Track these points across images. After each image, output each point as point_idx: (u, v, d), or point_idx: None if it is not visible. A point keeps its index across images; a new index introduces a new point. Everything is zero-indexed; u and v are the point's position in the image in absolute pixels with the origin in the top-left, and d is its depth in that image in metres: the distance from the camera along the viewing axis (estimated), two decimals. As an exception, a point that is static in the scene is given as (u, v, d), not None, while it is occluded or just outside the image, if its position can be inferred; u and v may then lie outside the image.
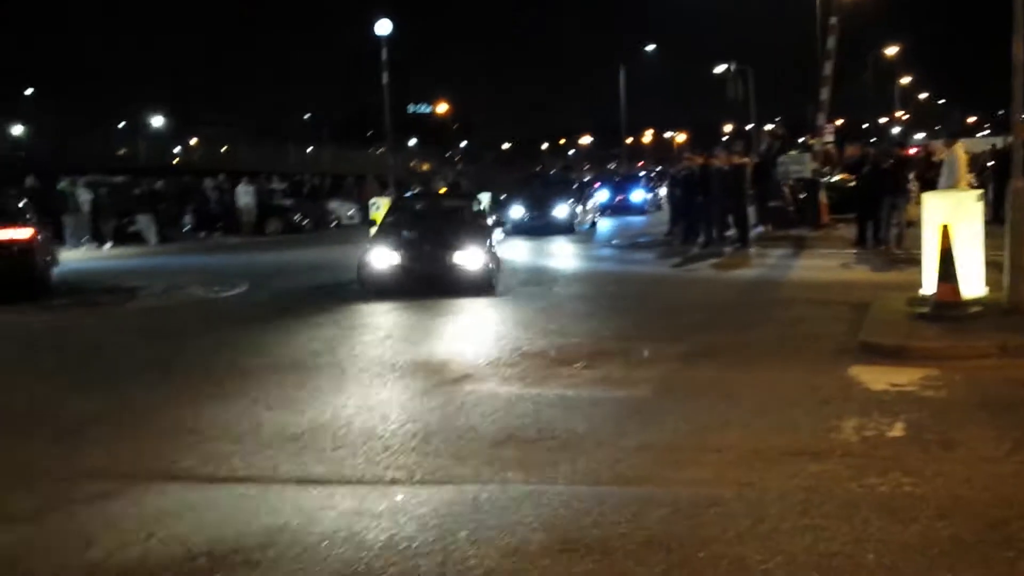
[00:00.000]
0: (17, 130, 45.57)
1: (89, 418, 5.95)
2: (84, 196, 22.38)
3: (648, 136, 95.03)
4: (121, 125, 55.85)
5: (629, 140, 64.58)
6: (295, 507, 4.22)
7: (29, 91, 59.29)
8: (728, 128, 68.55)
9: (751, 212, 17.84)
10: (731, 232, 17.11)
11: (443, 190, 26.72)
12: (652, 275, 14.27)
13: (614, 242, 20.01)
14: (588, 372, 6.92)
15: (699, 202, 17.32)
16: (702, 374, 6.81)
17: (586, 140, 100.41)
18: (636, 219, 27.29)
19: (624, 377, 6.75)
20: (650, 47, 52.28)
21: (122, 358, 8.31)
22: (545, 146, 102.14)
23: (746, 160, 18.33)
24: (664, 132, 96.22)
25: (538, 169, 50.41)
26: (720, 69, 20.74)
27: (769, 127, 27.84)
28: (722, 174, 16.91)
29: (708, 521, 3.88)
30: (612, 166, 66.57)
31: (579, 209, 23.56)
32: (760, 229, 18.43)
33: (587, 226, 23.88)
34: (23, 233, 11.85)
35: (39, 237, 12.26)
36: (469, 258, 11.24)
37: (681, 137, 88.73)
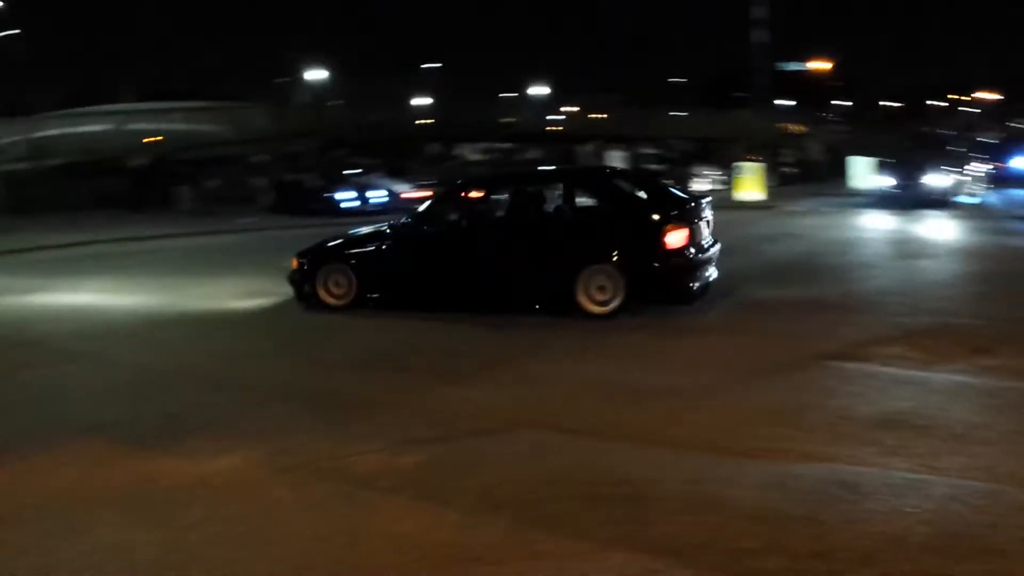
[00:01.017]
0: (421, 101, 51.16)
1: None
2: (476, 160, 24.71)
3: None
4: (507, 94, 60.34)
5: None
6: (661, 466, 4.37)
7: (432, 65, 66.34)
8: None
9: None
10: None
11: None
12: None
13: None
14: (985, 359, 6.23)
15: None
16: None
17: (987, 96, 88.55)
18: (1003, 199, 21.62)
19: (1029, 366, 5.99)
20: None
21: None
22: (938, 103, 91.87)
23: None
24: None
25: (922, 129, 45.41)
26: None
27: None
28: None
29: None
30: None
31: (960, 178, 20.25)
32: None
33: (972, 199, 20.43)
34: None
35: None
36: None
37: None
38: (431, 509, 3.90)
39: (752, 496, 3.92)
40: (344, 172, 24.71)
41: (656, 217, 8.14)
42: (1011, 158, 25.79)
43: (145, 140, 31.16)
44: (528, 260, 8.26)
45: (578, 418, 5.20)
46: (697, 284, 8.11)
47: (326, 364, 6.84)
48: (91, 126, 34.99)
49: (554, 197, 8.92)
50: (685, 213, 8.30)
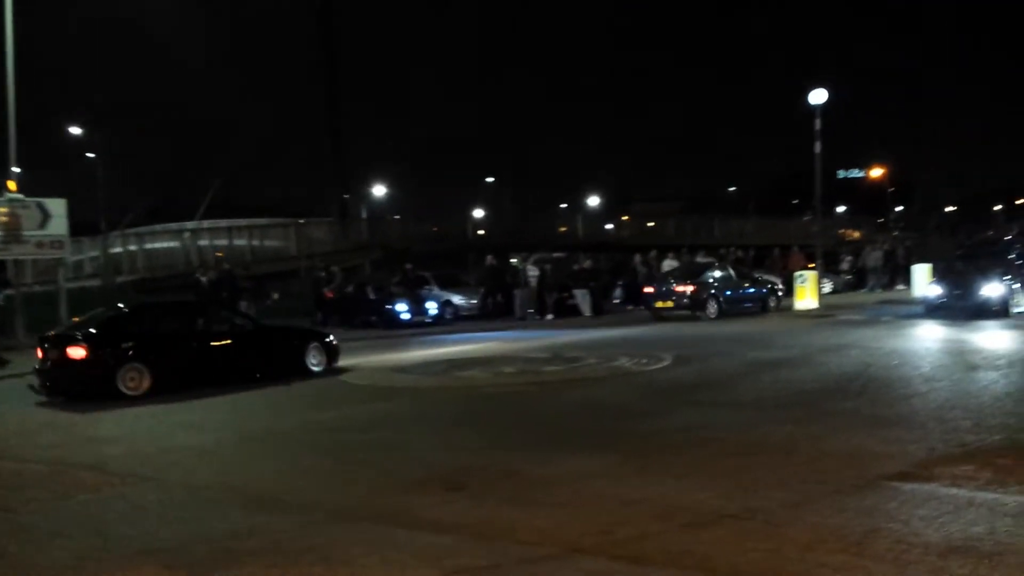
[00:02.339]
0: (478, 213, 52.45)
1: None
2: (532, 272, 24.98)
3: None
4: (563, 206, 61.54)
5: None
6: None
7: (490, 179, 68.26)
8: None
9: None
10: None
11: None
12: None
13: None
14: (1059, 479, 5.96)
15: None
16: None
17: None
18: None
19: (1110, 490, 5.70)
20: None
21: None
22: (999, 207, 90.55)
23: None
24: None
25: (968, 237, 44.41)
26: None
27: None
28: None
29: None
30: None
31: (1016, 286, 19.46)
32: None
33: None
34: None
35: None
36: None
37: None
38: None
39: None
40: (405, 285, 25.21)
41: None
42: None
43: (217, 254, 32.41)
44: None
45: (641, 544, 5.07)
46: None
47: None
48: (161, 243, 36.61)
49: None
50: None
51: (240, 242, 35.14)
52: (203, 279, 24.35)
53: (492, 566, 4.78)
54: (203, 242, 35.23)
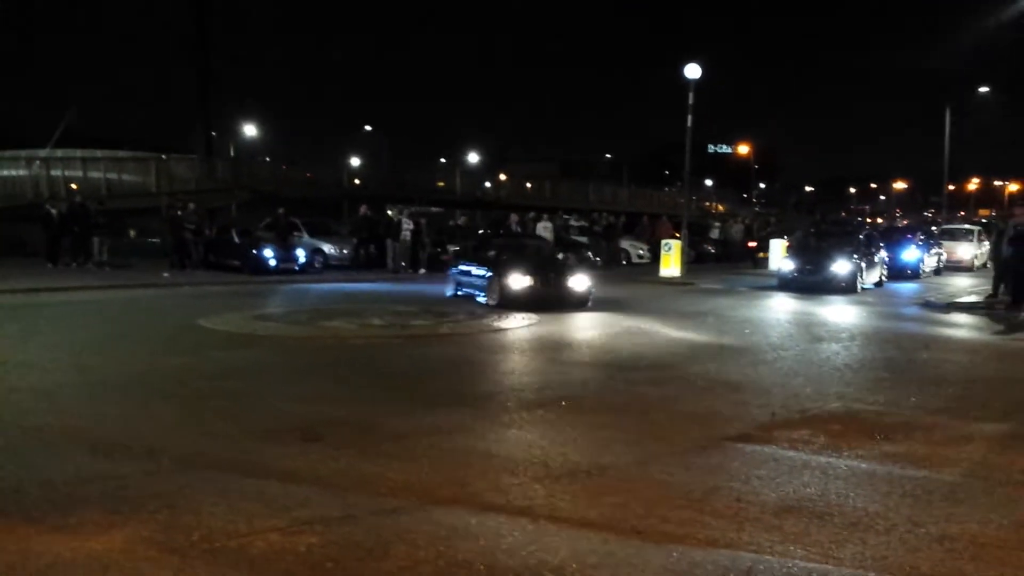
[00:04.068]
0: (355, 162, 51.33)
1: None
2: (407, 225, 24.71)
3: (974, 184, 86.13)
4: (442, 160, 61.05)
5: (951, 187, 58.96)
6: (570, 550, 4.34)
7: (367, 127, 66.83)
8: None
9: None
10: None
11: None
12: (970, 342, 12.91)
13: (925, 301, 18.28)
14: (887, 445, 6.42)
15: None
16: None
17: (901, 185, 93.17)
18: (904, 287, 22.77)
19: (929, 455, 6.17)
20: (983, 89, 47.76)
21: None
22: (852, 190, 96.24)
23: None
24: (994, 180, 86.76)
25: (821, 216, 47.04)
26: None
27: None
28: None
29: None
30: (929, 214, 61.14)
31: (863, 265, 21.02)
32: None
33: (871, 285, 21.56)
34: None
35: None
36: None
37: (1014, 187, 79.43)
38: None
39: (653, 584, 3.91)
40: (274, 230, 24.43)
41: None
42: (901, 250, 25.99)
43: (70, 186, 30.39)
44: None
45: (494, 496, 5.12)
46: None
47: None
48: (11, 171, 34.01)
49: None
50: None
51: (96, 175, 33.07)
52: (53, 211, 22.83)
53: (345, 517, 4.72)
54: (55, 172, 32.96)
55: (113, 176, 33.29)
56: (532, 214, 29.59)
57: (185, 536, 4.41)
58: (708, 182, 77.06)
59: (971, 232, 32.73)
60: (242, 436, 6.41)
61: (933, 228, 33.63)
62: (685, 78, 25.19)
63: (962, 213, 57.92)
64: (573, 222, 33.25)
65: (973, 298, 18.29)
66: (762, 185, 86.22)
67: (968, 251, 31.04)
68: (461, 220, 27.76)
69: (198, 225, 23.81)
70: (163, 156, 34.42)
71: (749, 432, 6.76)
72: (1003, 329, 14.06)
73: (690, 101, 25.28)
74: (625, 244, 30.92)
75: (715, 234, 36.37)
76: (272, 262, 22.42)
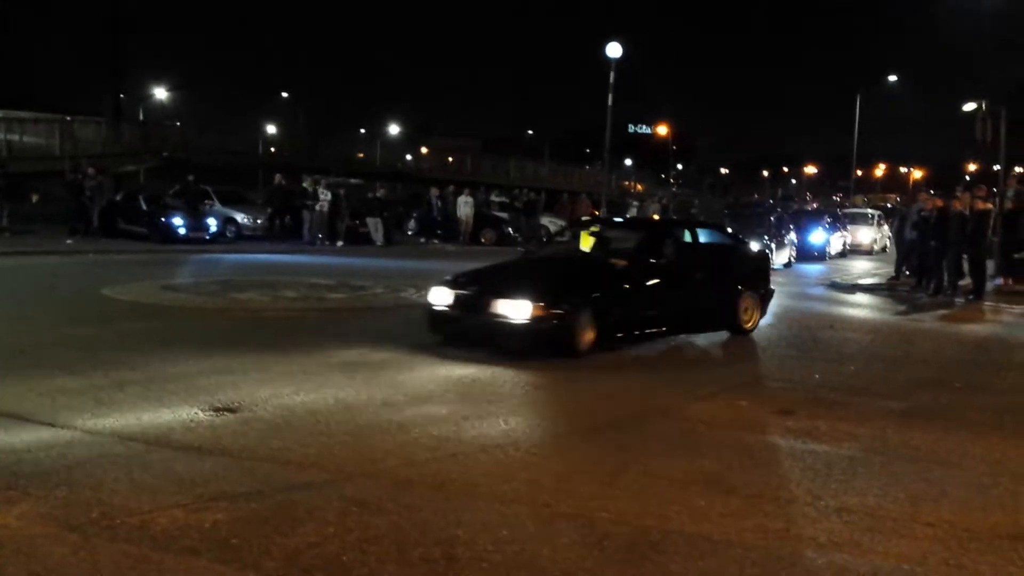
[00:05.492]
0: (271, 129, 50.05)
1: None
2: (324, 195, 24.24)
3: (881, 169, 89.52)
4: (362, 131, 60.11)
5: (859, 172, 61.19)
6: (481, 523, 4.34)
7: (284, 94, 65.19)
8: (972, 169, 63.32)
9: (990, 263, 16.41)
10: (965, 282, 15.85)
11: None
12: (873, 322, 13.44)
13: (831, 282, 18.94)
14: (791, 421, 6.63)
15: (933, 247, 16.14)
16: (920, 436, 6.32)
17: (811, 169, 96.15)
18: (811, 268, 23.14)
19: (830, 430, 6.40)
20: (892, 77, 49.59)
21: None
22: (765, 173, 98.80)
23: (990, 206, 16.85)
24: (900, 167, 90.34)
25: (734, 199, 48.14)
26: (970, 107, 19.04)
27: (1020, 170, 25.20)
28: (962, 219, 15.65)
29: (908, 604, 3.62)
30: (838, 198, 63.27)
31: (773, 246, 21.37)
32: (998, 282, 16.86)
33: (780, 266, 21.58)
34: None
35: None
36: None
37: (918, 174, 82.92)
38: (231, 574, 3.69)
39: (567, 558, 3.96)
40: (184, 197, 23.67)
41: None
42: (808, 231, 26.34)
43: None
44: None
45: (408, 471, 5.10)
46: None
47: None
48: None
49: None
50: None
51: (-4, 135, 31.38)
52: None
53: (253, 492, 4.63)
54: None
55: (15, 138, 31.65)
56: (452, 188, 29.42)
57: (85, 513, 4.25)
58: (628, 162, 78.02)
59: (872, 216, 33.94)
60: (146, 410, 6.21)
61: (839, 212, 34.68)
62: (607, 57, 25.35)
63: (865, 198, 60.06)
64: (494, 197, 33.18)
65: (876, 280, 19.03)
66: (679, 167, 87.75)
67: (868, 235, 32.18)
68: (380, 192, 27.38)
69: (94, 190, 22.69)
70: (67, 118, 32.90)
71: (661, 407, 6.90)
72: (904, 310, 14.67)
73: (610, 80, 25.48)
74: (545, 220, 31.02)
75: (633, 213, 36.84)
76: (181, 230, 21.74)
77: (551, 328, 8.36)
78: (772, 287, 11.47)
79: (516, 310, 8.38)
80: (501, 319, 8.45)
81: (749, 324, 10.58)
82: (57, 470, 4.84)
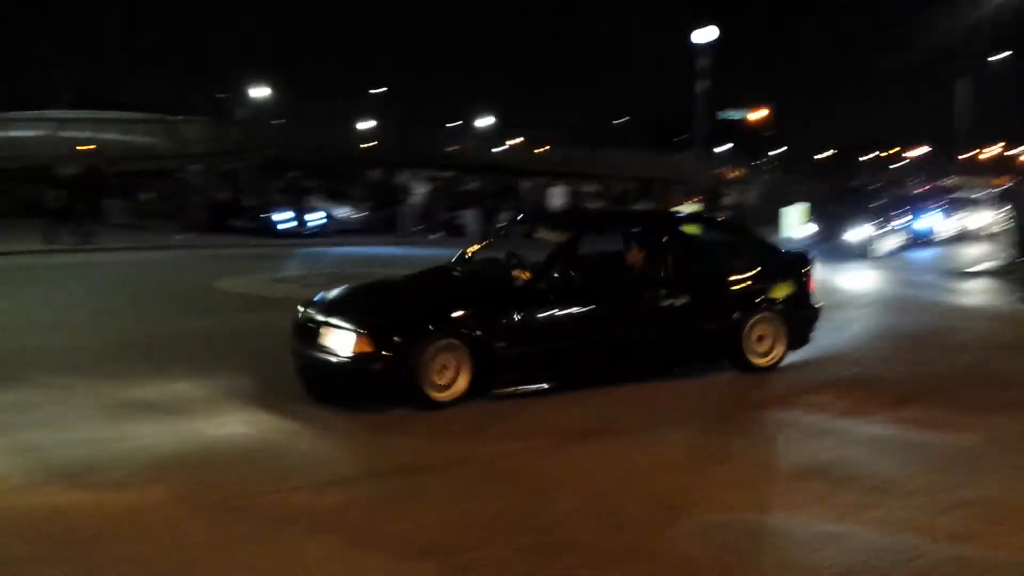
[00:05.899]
0: (366, 125, 50.99)
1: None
2: (419, 189, 24.65)
3: (993, 151, 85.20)
4: (454, 124, 60.75)
5: (967, 155, 58.41)
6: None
7: (378, 90, 66.35)
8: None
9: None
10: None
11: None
12: (995, 310, 12.80)
13: (943, 268, 18.16)
14: (906, 411, 6.42)
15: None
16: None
17: (917, 152, 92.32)
18: (922, 254, 21.65)
19: (949, 421, 6.17)
20: (1002, 55, 47.16)
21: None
22: (867, 157, 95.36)
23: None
24: (1014, 147, 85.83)
25: (838, 183, 46.54)
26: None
27: None
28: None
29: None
30: (948, 181, 60.55)
31: (876, 232, 20.49)
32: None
33: (885, 253, 20.74)
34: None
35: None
36: None
37: (1030, 154, 78.65)
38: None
39: (674, 548, 3.96)
40: (288, 193, 24.44)
41: None
42: (917, 217, 24.90)
43: (79, 148, 30.33)
44: None
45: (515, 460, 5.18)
46: None
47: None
48: (22, 131, 33.96)
49: None
50: None
51: (108, 136, 33.03)
52: (65, 173, 22.80)
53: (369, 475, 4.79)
54: (66, 134, 32.92)
55: (126, 138, 33.25)
56: (545, 180, 29.46)
57: (215, 493, 4.49)
58: (719, 149, 76.48)
59: (985, 199, 32.40)
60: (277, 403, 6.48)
61: (951, 195, 33.19)
62: (697, 43, 24.88)
63: (981, 180, 57.22)
64: (586, 188, 33.12)
65: (992, 264, 18.14)
66: (773, 152, 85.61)
67: (981, 219, 30.76)
68: (471, 185, 27.66)
69: (201, 187, 23.66)
70: (175, 117, 34.35)
71: (769, 399, 6.78)
72: (1022, 296, 13.95)
73: (702, 65, 25.01)
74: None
75: (728, 200, 36.16)
76: (286, 225, 22.46)
77: (380, 370, 5.94)
78: (818, 303, 8.18)
79: (340, 343, 6.05)
80: (326, 354, 6.12)
81: (767, 359, 7.49)
82: (187, 455, 5.12)
